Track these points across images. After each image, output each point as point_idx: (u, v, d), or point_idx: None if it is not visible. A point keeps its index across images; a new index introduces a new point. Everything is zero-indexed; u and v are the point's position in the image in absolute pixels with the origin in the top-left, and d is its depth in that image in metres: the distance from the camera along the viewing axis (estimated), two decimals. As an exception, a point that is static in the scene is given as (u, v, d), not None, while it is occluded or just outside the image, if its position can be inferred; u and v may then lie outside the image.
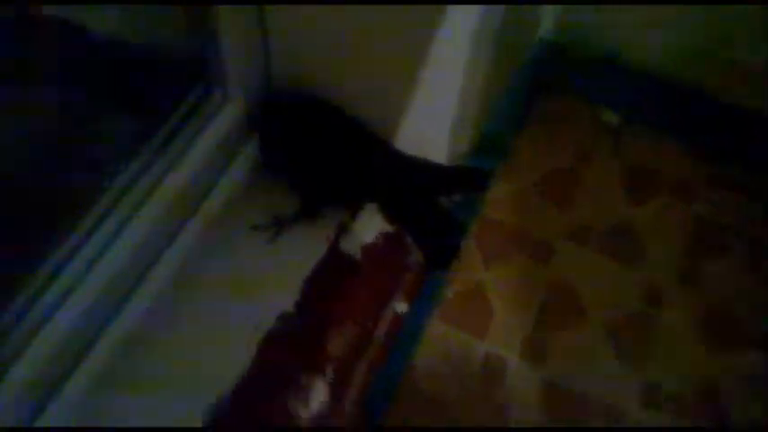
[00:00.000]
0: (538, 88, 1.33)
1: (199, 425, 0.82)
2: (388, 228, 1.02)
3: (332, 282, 0.97)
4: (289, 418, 0.86)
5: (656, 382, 1.06)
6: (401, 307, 0.99)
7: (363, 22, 0.89)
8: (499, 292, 1.10)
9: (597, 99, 1.31)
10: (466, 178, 1.03)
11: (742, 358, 1.10)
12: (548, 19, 1.25)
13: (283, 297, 0.94)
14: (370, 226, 1.02)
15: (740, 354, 1.11)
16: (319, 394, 0.88)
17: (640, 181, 1.25)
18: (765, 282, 1.17)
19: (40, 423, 0.76)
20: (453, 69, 0.88)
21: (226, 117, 0.94)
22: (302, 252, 0.98)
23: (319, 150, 0.99)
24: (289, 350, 0.90)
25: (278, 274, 0.95)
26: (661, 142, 1.29)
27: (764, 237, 1.21)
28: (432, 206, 1.02)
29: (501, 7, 0.87)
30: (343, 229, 1.01)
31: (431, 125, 0.97)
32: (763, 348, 1.12)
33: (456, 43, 0.85)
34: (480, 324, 1.07)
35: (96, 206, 0.87)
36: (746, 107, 1.21)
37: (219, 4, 0.85)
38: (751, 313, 1.15)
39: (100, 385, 0.81)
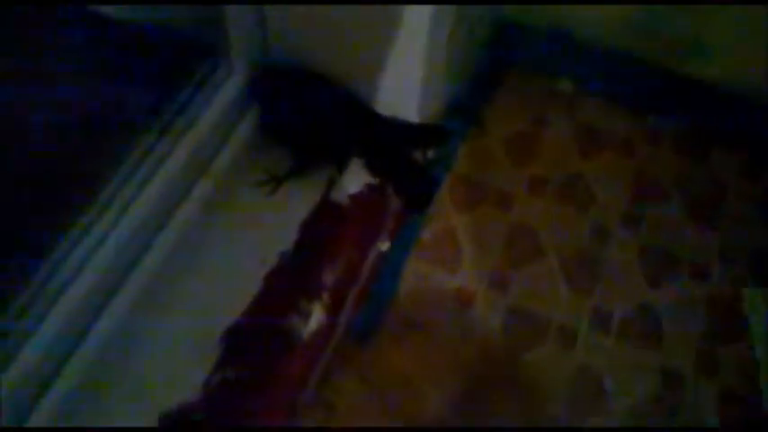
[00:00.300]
0: (501, 62, 1.45)
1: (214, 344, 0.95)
2: (371, 179, 1.14)
3: (324, 225, 1.09)
4: (291, 335, 0.98)
5: (603, 307, 1.19)
6: (384, 246, 1.11)
7: (346, 5, 1.01)
8: (468, 234, 1.23)
9: (553, 70, 1.43)
10: (433, 134, 1.16)
11: (677, 288, 1.23)
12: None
13: (284, 239, 1.06)
14: (355, 178, 1.13)
15: (675, 284, 1.24)
16: (317, 315, 1.01)
17: (590, 139, 1.38)
18: (697, 223, 1.30)
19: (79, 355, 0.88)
20: (419, 43, 1.00)
21: (230, 88, 1.06)
22: (298, 202, 1.10)
23: (311, 114, 1.10)
24: (290, 280, 1.02)
25: (278, 220, 1.07)
26: (608, 106, 1.41)
27: (697, 185, 1.34)
28: (407, 160, 1.14)
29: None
30: (332, 182, 1.13)
31: (404, 90, 1.09)
32: (696, 279, 1.25)
33: (420, 21, 0.97)
34: (452, 261, 1.19)
35: (121, 168, 0.99)
36: (681, 73, 1.34)
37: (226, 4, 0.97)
38: (685, 250, 1.28)
39: (134, 313, 0.93)
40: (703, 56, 1.30)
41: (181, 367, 0.93)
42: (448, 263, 1.19)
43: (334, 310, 1.02)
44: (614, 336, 1.16)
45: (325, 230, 1.09)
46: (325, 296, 1.03)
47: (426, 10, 0.97)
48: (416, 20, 0.99)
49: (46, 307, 0.84)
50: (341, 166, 1.14)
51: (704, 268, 1.25)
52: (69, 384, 0.85)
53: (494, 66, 1.43)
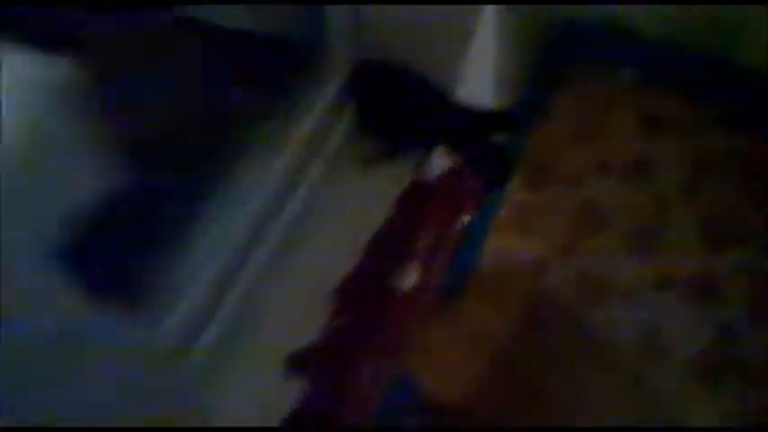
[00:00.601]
0: (567, 54, 1.61)
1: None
2: (454, 162, 1.33)
3: (415, 201, 1.28)
4: (391, 291, 1.18)
5: (665, 272, 1.35)
6: (466, 219, 1.30)
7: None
8: (541, 210, 1.40)
9: (616, 61, 1.59)
10: (508, 120, 1.33)
11: (732, 254, 1.38)
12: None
13: (381, 212, 1.26)
14: (441, 161, 1.32)
15: (731, 251, 1.38)
16: (412, 276, 1.20)
17: (650, 124, 1.53)
18: (750, 197, 1.44)
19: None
20: (493, 36, 1.19)
21: (333, 84, 1.27)
22: (392, 181, 1.30)
23: (401, 105, 1.30)
24: (388, 246, 1.22)
25: (377, 196, 1.27)
26: (667, 93, 1.56)
27: (751, 162, 1.48)
28: (486, 144, 1.33)
29: None
30: (421, 164, 1.32)
31: (482, 81, 1.28)
32: (749, 247, 1.39)
33: (492, 16, 1.16)
34: (527, 233, 1.37)
35: (250, 155, 1.19)
36: (731, 58, 1.48)
37: (329, 4, 1.17)
38: (740, 221, 1.42)
39: (266, 270, 1.14)
40: (749, 41, 1.43)
41: (303, 315, 1.14)
42: (523, 235, 1.36)
43: (425, 272, 1.22)
44: (674, 297, 1.32)
45: (415, 205, 1.28)
46: (418, 260, 1.23)
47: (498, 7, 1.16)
48: (490, 16, 1.18)
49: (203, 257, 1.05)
50: (428, 150, 1.33)
51: (756, 239, 1.39)
52: (223, 323, 1.06)
53: (560, 57, 1.60)
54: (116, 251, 0.89)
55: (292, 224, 1.18)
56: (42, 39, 0.82)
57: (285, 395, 1.07)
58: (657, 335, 1.28)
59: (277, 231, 1.16)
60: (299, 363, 1.10)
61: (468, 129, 1.33)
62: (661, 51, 1.54)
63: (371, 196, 1.27)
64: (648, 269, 1.35)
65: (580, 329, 1.28)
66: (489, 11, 1.20)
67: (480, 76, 1.29)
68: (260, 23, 1.28)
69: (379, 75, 1.30)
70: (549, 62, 1.55)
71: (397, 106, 1.31)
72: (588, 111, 1.54)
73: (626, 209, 1.43)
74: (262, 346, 1.10)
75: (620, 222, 1.41)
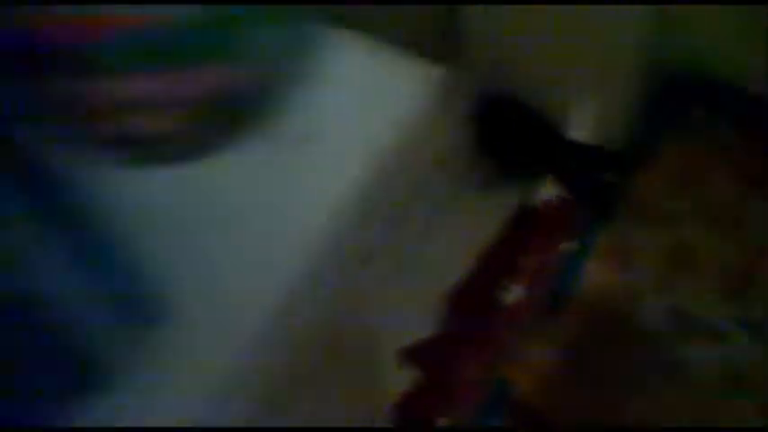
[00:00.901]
0: (675, 103, 1.70)
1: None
2: (561, 192, 1.45)
3: (522, 224, 1.40)
4: (496, 303, 1.30)
5: (753, 317, 1.43)
6: (569, 246, 1.41)
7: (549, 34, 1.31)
8: (637, 246, 1.50)
9: (719, 114, 1.68)
10: (614, 158, 1.45)
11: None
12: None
13: (492, 232, 1.38)
14: (548, 190, 1.45)
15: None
16: (516, 292, 1.32)
17: (748, 180, 1.62)
18: None
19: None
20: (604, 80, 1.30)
21: (461, 108, 1.40)
22: (503, 205, 1.42)
23: (517, 135, 1.43)
24: (495, 262, 1.34)
25: (487, 216, 1.40)
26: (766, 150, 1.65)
27: None
28: (592, 178, 1.44)
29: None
30: (531, 191, 1.45)
31: (591, 117, 1.40)
32: None
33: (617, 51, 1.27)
34: (623, 266, 1.47)
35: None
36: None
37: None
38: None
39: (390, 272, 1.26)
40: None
41: (414, 317, 1.26)
42: (619, 267, 1.46)
43: (528, 290, 1.33)
44: (761, 340, 1.40)
45: (523, 228, 1.41)
46: (522, 278, 1.34)
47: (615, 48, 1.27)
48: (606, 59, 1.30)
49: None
50: (538, 180, 1.46)
51: None
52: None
53: (667, 105, 1.69)
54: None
55: (414, 234, 1.31)
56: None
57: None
58: (743, 374, 1.36)
59: (400, 239, 1.29)
60: (409, 357, 1.22)
61: (576, 163, 1.44)
62: (764, 108, 1.62)
63: (484, 217, 1.39)
64: (737, 312, 1.44)
65: (667, 359, 1.37)
66: (608, 54, 1.32)
67: (592, 114, 1.41)
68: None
69: (499, 104, 1.43)
70: (657, 109, 1.66)
71: (513, 135, 1.43)
72: (689, 160, 1.64)
73: (718, 255, 1.51)
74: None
75: (712, 267, 1.49)
